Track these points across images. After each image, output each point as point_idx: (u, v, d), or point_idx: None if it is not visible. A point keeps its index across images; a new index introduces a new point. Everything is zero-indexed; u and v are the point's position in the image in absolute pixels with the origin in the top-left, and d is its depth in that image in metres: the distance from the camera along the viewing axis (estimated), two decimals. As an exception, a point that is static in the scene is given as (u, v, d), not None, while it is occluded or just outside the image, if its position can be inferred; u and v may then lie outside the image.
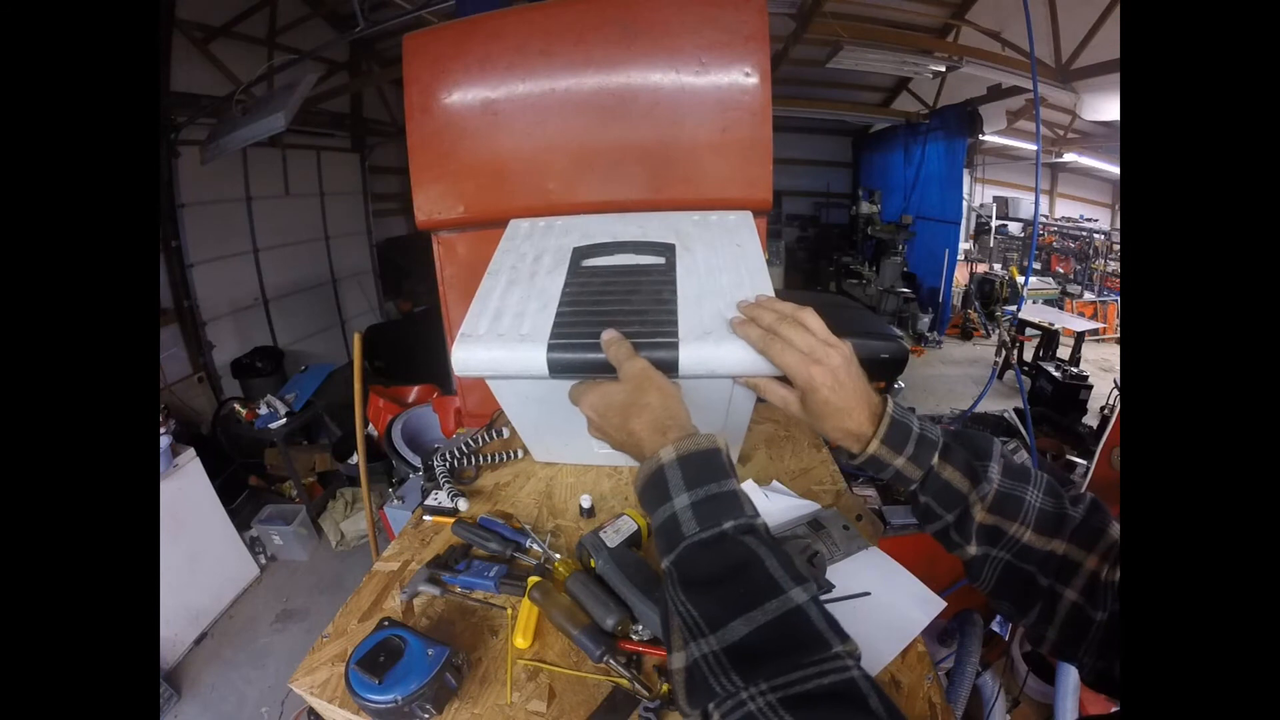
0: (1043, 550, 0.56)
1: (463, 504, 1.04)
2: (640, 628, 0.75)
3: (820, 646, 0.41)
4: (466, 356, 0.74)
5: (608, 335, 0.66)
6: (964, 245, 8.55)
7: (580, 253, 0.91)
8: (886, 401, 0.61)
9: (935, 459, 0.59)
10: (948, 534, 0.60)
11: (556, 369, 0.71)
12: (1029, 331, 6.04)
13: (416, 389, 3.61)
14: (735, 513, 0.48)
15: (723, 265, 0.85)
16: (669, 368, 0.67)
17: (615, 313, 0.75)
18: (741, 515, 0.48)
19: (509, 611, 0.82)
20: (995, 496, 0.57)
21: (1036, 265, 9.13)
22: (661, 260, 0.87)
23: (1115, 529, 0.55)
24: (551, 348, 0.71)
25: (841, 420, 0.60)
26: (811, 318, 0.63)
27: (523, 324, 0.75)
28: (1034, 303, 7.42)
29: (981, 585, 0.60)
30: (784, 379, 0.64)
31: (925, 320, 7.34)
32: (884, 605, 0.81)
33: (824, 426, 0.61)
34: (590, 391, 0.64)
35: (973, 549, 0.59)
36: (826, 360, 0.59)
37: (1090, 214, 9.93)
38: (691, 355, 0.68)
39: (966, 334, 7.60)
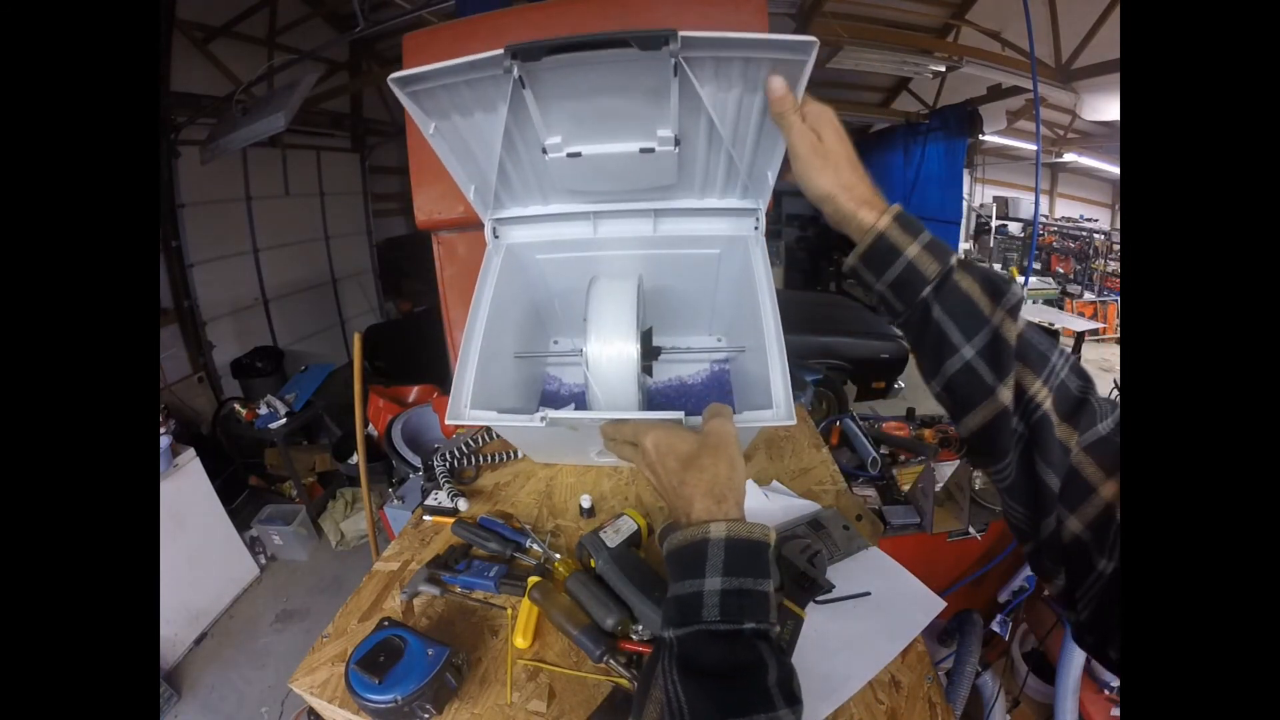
0: (1060, 443, 0.47)
1: (463, 504, 1.04)
2: (640, 628, 0.75)
3: None
4: None
5: (713, 407, 0.63)
6: (964, 245, 8.53)
7: None
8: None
9: (954, 260, 0.51)
10: (972, 373, 0.49)
11: None
12: (1029, 331, 6.03)
13: (416, 389, 3.60)
14: (759, 616, 0.46)
15: None
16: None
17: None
18: (764, 620, 0.46)
19: (509, 611, 0.82)
20: (1020, 335, 0.49)
21: (1036, 265, 9.10)
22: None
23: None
24: None
25: (850, 176, 0.58)
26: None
27: None
28: (1034, 303, 7.39)
29: (1003, 472, 0.50)
30: None
31: (925, 320, 7.33)
32: (884, 605, 0.81)
33: (826, 180, 0.59)
34: (658, 428, 0.62)
35: (1007, 391, 0.47)
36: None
37: (1090, 214, 9.91)
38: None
39: (967, 334, 7.59)
